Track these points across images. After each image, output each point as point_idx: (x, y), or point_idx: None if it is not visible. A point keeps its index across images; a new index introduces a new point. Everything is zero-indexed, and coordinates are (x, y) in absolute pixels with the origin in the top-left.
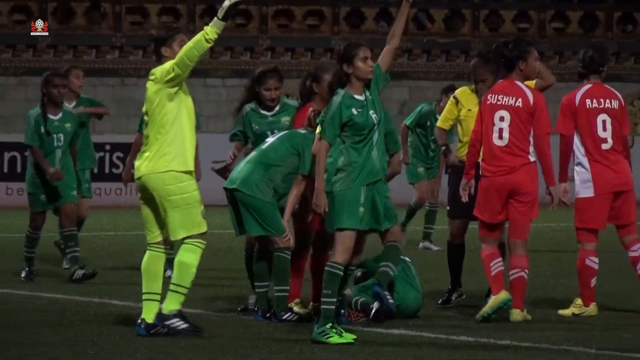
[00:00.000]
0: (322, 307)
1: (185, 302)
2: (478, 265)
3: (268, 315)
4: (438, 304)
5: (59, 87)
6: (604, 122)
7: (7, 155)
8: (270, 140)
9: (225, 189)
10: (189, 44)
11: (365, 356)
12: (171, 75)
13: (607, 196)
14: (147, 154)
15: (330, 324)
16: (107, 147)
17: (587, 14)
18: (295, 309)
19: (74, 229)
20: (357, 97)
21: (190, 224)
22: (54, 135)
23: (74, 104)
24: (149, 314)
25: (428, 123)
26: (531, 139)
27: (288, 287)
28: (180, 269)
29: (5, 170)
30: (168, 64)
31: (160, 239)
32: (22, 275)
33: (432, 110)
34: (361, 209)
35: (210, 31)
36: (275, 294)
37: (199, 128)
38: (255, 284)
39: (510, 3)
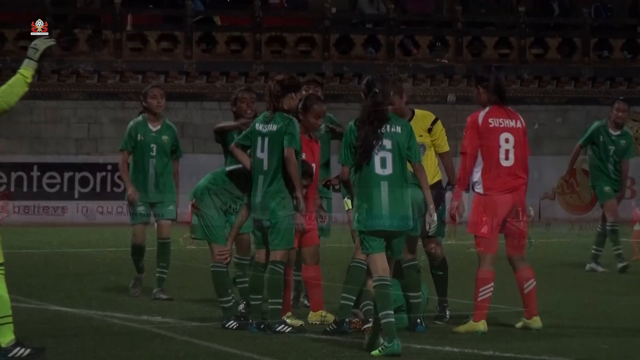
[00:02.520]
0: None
1: (186, 314)
2: (462, 279)
3: (262, 326)
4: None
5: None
6: None
7: (13, 175)
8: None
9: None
10: (7, 88)
11: None
12: None
13: None
14: None
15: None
16: (109, 167)
17: (565, 41)
18: (288, 321)
19: (247, 259)
20: None
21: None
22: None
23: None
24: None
25: (601, 138)
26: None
27: (281, 300)
28: None
29: (12, 189)
30: None
31: None
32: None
33: (602, 125)
34: None
35: (29, 74)
36: (270, 306)
37: (180, 156)
38: (251, 296)
39: (491, 30)
